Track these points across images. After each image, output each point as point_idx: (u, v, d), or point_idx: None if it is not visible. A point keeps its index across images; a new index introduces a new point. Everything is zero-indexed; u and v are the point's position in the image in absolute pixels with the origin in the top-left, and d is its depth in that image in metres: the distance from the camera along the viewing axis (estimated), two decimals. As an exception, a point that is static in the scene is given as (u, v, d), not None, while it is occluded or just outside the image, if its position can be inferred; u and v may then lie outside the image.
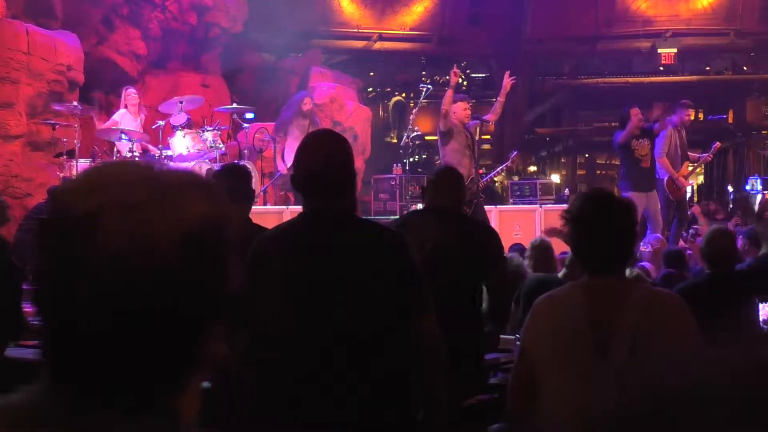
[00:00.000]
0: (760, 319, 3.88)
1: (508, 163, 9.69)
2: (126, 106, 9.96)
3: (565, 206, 11.06)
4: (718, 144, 10.32)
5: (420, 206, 4.07)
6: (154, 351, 0.94)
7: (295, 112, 10.52)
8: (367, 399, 2.59)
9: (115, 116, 9.92)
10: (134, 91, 10.25)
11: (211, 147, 9.59)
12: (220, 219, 0.99)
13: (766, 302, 3.94)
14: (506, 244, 4.49)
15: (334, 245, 2.66)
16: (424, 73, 18.59)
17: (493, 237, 4.19)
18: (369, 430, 2.60)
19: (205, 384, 1.07)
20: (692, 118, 9.87)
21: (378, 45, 16.59)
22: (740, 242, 5.86)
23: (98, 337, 0.93)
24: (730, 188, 20.68)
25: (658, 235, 8.40)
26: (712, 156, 10.30)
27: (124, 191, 0.95)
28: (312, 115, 10.64)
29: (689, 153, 10.01)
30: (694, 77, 19.04)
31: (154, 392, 0.95)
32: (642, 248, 7.16)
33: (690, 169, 10.06)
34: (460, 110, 8.50)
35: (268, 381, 2.66)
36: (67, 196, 0.96)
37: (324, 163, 2.71)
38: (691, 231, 9.97)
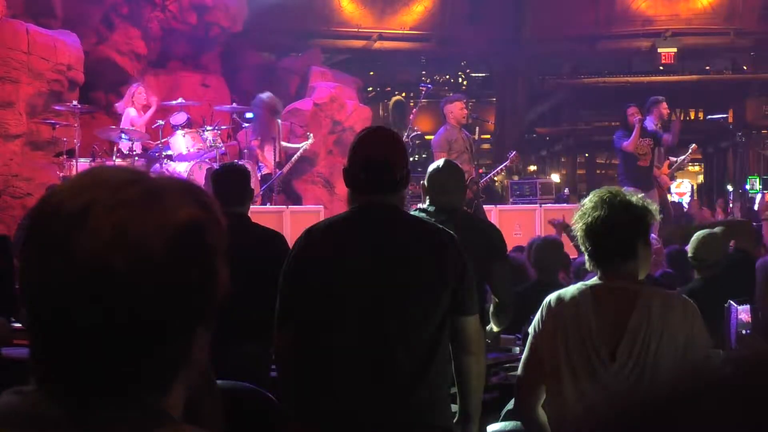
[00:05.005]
0: (737, 320, 3.90)
1: (507, 162, 9.69)
2: (133, 104, 9.95)
3: (565, 205, 10.99)
4: (695, 146, 10.33)
5: (420, 205, 4.02)
6: (140, 350, 0.94)
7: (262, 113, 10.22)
8: (418, 398, 2.55)
9: (130, 114, 9.92)
10: (143, 88, 10.26)
11: (211, 146, 9.58)
12: (209, 223, 0.99)
13: (742, 305, 3.98)
14: (507, 243, 4.47)
15: (384, 241, 2.63)
16: (424, 72, 18.61)
17: (495, 235, 4.18)
18: (419, 428, 2.58)
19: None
20: (667, 110, 9.85)
21: (378, 45, 16.57)
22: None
23: (85, 334, 0.93)
24: (729, 188, 20.66)
25: (653, 234, 8.41)
26: (689, 158, 10.37)
27: (114, 191, 0.96)
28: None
29: (670, 157, 10.12)
30: (694, 77, 19.03)
31: (141, 392, 0.96)
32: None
33: (670, 168, 10.19)
34: (457, 110, 8.50)
35: (312, 379, 2.61)
36: (58, 194, 0.98)
37: (381, 157, 2.69)
38: None
